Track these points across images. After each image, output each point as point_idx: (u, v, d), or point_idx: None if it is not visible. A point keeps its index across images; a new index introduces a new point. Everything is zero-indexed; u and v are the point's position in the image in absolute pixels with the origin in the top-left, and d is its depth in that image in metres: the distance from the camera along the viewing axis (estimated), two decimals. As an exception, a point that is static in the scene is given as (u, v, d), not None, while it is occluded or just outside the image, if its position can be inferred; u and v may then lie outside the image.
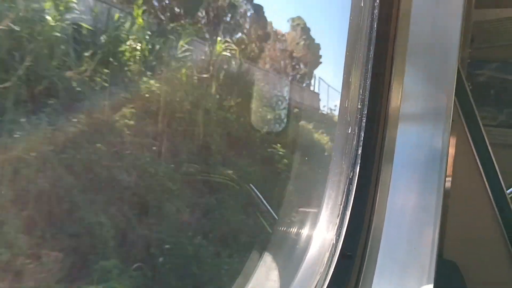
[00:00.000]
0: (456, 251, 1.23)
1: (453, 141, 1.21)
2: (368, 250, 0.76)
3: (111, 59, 3.81)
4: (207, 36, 5.40)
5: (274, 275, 0.89)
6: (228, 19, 5.81)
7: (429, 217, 0.79)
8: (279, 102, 5.42)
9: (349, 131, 0.77)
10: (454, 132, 1.24)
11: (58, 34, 3.43)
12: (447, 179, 1.28)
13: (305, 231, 0.85)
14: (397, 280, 0.74)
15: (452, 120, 1.26)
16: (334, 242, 0.74)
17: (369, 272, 0.75)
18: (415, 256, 0.76)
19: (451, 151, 1.23)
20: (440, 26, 0.80)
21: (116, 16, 4.14)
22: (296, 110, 5.87)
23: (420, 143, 0.81)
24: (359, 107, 0.76)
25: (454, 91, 0.81)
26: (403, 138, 0.80)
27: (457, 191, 1.23)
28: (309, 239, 0.79)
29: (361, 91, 0.78)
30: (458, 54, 0.81)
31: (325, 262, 0.72)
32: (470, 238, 1.28)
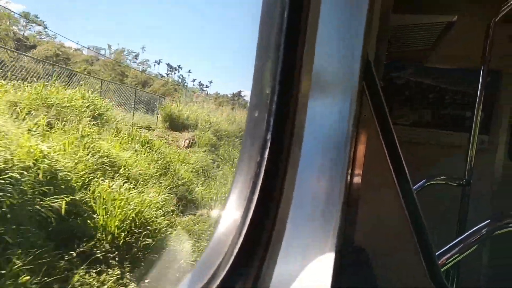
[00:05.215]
0: (368, 238, 1.30)
1: (365, 137, 1.27)
2: (273, 238, 0.76)
3: None
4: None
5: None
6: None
7: (334, 204, 0.80)
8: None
9: (257, 115, 0.76)
10: (366, 128, 1.30)
11: None
12: (358, 172, 1.34)
13: (214, 219, 0.83)
14: (298, 266, 0.74)
15: (365, 116, 1.31)
16: (238, 229, 0.72)
17: (273, 258, 0.74)
18: (318, 243, 0.77)
19: (363, 147, 1.29)
20: (346, 20, 0.82)
21: None
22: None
23: (328, 131, 0.83)
24: (267, 92, 0.75)
25: (358, 83, 0.84)
26: (311, 125, 0.80)
27: (368, 185, 1.29)
28: (216, 226, 0.77)
29: (271, 77, 0.77)
30: (363, 50, 0.83)
31: (225, 252, 0.70)
32: (381, 227, 1.35)
